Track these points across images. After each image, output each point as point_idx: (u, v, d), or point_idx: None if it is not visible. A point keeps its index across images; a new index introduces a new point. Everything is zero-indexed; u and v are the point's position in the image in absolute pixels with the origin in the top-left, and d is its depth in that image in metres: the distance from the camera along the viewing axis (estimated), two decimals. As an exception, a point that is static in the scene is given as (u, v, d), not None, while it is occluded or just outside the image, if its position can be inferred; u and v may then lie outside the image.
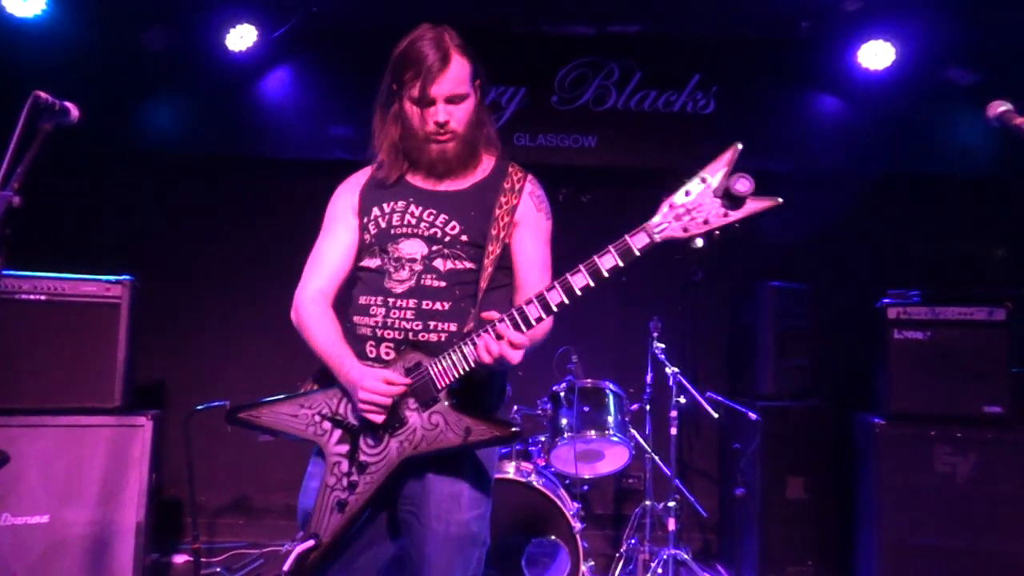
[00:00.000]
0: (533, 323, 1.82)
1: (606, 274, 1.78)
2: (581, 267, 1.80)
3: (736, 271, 4.73)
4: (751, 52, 4.77)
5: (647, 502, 4.04)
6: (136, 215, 4.86)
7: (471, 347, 1.85)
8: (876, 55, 4.51)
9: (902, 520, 3.72)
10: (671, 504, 3.85)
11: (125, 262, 3.72)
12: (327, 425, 1.97)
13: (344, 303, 2.08)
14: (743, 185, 1.65)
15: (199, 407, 3.49)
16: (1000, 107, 1.80)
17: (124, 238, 4.76)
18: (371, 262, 2.04)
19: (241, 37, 4.50)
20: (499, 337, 1.79)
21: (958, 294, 3.85)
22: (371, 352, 1.97)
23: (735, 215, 1.68)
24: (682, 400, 3.89)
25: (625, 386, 4.02)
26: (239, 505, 4.89)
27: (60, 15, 4.15)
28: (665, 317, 4.14)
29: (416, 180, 2.07)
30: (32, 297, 3.42)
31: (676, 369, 3.89)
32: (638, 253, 1.78)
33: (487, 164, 2.11)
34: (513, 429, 1.90)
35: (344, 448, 1.94)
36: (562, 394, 3.83)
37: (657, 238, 1.76)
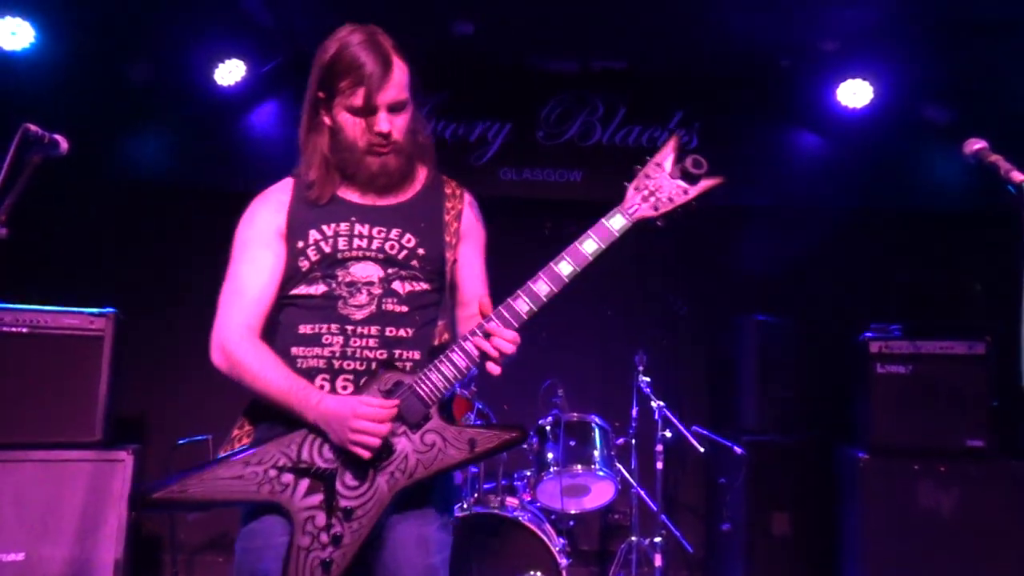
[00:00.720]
0: (524, 317, 1.76)
1: (590, 257, 1.78)
2: (565, 254, 1.78)
3: (719, 305, 4.77)
4: (733, 89, 4.86)
5: (633, 538, 4.01)
6: (120, 247, 4.84)
7: (460, 354, 1.75)
8: (854, 93, 4.62)
9: (888, 554, 3.72)
10: (657, 540, 3.83)
11: (108, 295, 3.70)
12: (288, 478, 1.71)
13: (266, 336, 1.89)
14: (699, 164, 1.80)
15: (181, 441, 3.45)
16: (976, 144, 1.85)
17: (108, 271, 4.74)
18: (311, 289, 1.84)
19: (230, 72, 4.54)
20: (487, 336, 1.72)
21: (939, 327, 3.90)
22: (323, 387, 1.77)
23: (694, 191, 1.83)
24: (668, 434, 3.88)
25: (611, 420, 4.01)
26: (218, 543, 4.81)
27: (49, 48, 4.17)
28: (650, 351, 4.15)
29: (352, 196, 1.90)
30: (14, 329, 3.39)
31: (662, 403, 3.89)
32: (617, 234, 1.80)
33: (421, 175, 1.98)
34: (522, 429, 1.81)
35: (316, 499, 1.70)
36: (548, 428, 3.82)
37: (632, 218, 1.82)
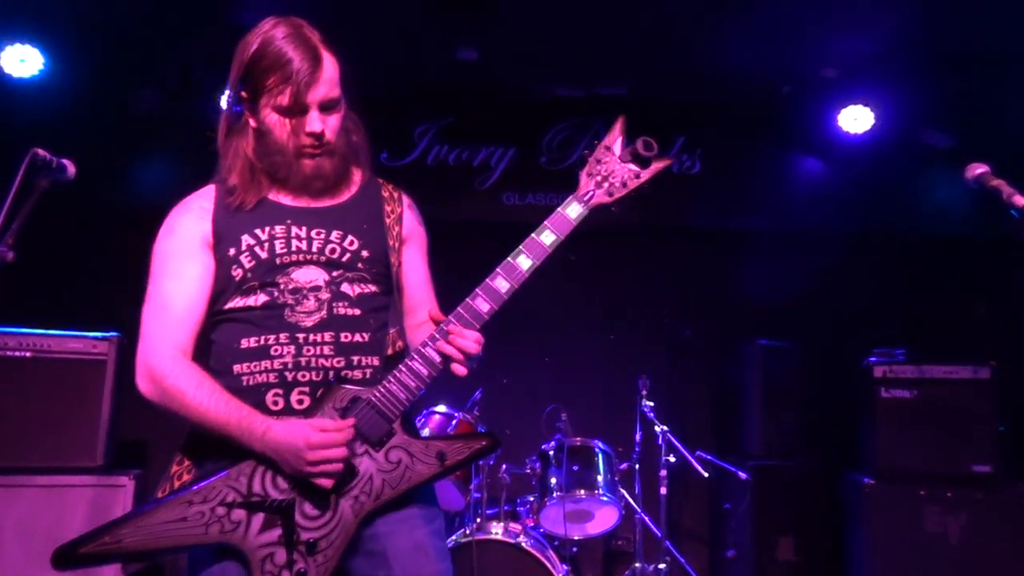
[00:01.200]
0: (485, 317, 1.66)
1: (549, 249, 1.71)
2: (522, 247, 1.71)
3: (723, 329, 4.76)
4: (735, 115, 4.89)
5: (637, 564, 3.97)
6: (124, 273, 4.84)
7: (420, 362, 1.64)
8: (856, 119, 4.65)
9: (895, 581, 3.69)
10: (661, 566, 3.79)
11: (112, 319, 3.71)
12: (239, 514, 1.54)
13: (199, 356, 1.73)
14: (649, 146, 1.77)
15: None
16: (978, 169, 1.85)
17: (112, 295, 4.73)
18: (249, 300, 1.67)
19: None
20: (447, 336, 1.64)
21: (943, 351, 3.89)
22: (276, 403, 1.62)
23: (646, 175, 1.78)
24: (672, 459, 3.86)
25: (614, 445, 3.99)
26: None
27: (57, 75, 4.22)
28: (654, 375, 4.14)
29: (284, 199, 1.75)
30: (17, 354, 3.40)
31: (665, 427, 3.88)
32: (574, 222, 1.75)
33: (357, 176, 1.84)
34: (492, 437, 1.71)
35: (273, 535, 1.54)
36: (551, 452, 3.79)
37: (588, 205, 1.77)
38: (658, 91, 4.89)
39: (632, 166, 1.78)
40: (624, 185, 1.78)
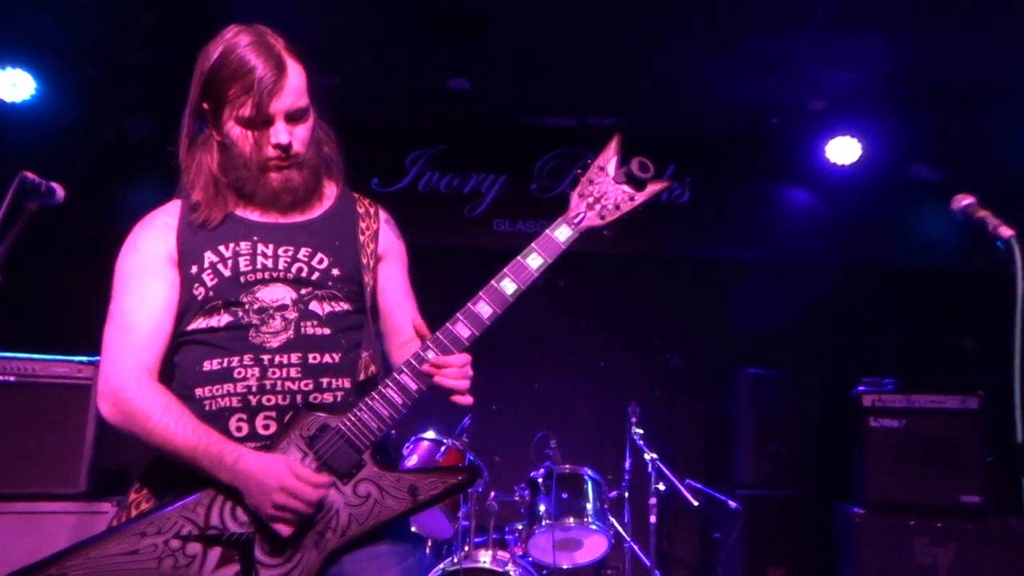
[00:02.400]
0: (465, 343, 1.57)
1: (536, 273, 1.61)
2: (507, 271, 1.61)
3: (713, 358, 4.77)
4: (724, 145, 4.94)
5: (626, 594, 3.93)
6: (111, 298, 4.82)
7: (394, 390, 1.55)
8: (843, 151, 4.70)
9: (885, 613, 3.66)
10: (651, 597, 3.75)
11: (98, 344, 3.68)
12: (195, 548, 1.44)
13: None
14: (645, 167, 1.67)
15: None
16: (964, 200, 1.86)
17: (98, 320, 4.70)
18: (211, 321, 1.59)
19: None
20: (422, 362, 1.56)
21: (931, 382, 3.90)
22: (240, 429, 1.53)
23: (640, 197, 1.68)
24: (661, 487, 3.84)
25: (604, 472, 3.97)
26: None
27: (49, 100, 4.23)
28: (643, 403, 4.13)
29: (251, 215, 1.67)
30: (1, 378, 3.36)
31: (655, 455, 3.86)
32: (564, 246, 1.64)
33: (331, 191, 1.76)
34: (470, 471, 1.63)
35: (230, 571, 1.44)
36: (540, 480, 3.77)
37: (578, 228, 1.66)
38: (648, 121, 4.94)
39: (626, 187, 1.67)
40: (617, 207, 1.67)
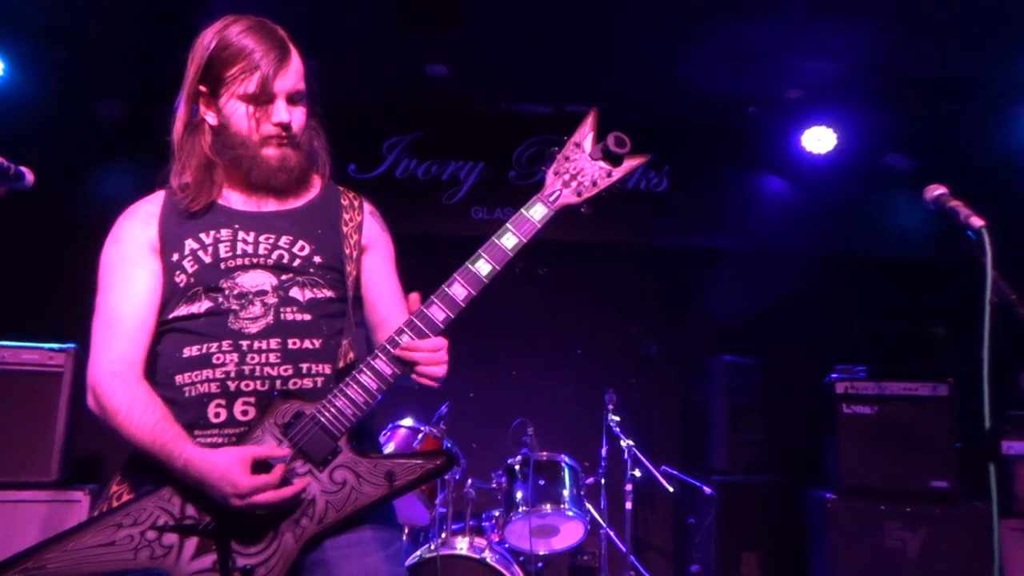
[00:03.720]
0: (440, 326, 1.56)
1: (511, 253, 1.61)
2: (481, 251, 1.61)
3: (689, 345, 4.80)
4: (701, 134, 4.96)
5: (602, 579, 3.97)
6: (83, 283, 4.75)
7: (369, 375, 1.54)
8: (819, 140, 4.74)
9: (855, 596, 3.72)
10: (626, 582, 3.79)
11: (70, 330, 3.63)
12: (171, 539, 1.44)
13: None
14: (622, 142, 1.65)
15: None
16: (936, 190, 1.88)
17: (70, 306, 4.63)
18: (192, 307, 1.59)
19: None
20: (396, 346, 1.55)
21: (902, 370, 3.96)
22: (218, 415, 1.53)
23: (618, 173, 1.67)
24: (637, 474, 3.87)
25: (580, 459, 3.99)
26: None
27: (18, 83, 4.15)
28: (620, 390, 4.16)
29: (234, 203, 1.69)
30: (-30, 365, 3.31)
31: (631, 442, 3.89)
32: (539, 225, 1.64)
33: (316, 183, 1.78)
34: (447, 456, 1.60)
35: (207, 561, 1.44)
36: (517, 467, 3.78)
37: (554, 206, 1.66)
38: (626, 109, 4.94)
39: (603, 163, 1.67)
40: (594, 184, 1.67)
